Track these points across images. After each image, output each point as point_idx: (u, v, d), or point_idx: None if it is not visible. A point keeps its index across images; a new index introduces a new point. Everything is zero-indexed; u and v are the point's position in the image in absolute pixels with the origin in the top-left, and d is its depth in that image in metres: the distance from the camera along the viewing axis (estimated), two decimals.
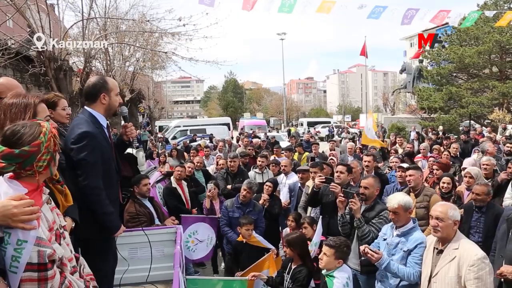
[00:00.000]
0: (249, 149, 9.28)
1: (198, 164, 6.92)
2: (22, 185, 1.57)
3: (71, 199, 2.07)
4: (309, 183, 5.27)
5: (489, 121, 18.97)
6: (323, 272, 3.22)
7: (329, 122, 39.22)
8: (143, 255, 3.62)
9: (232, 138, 19.65)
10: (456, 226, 2.81)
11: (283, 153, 8.66)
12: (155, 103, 34.39)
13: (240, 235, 4.56)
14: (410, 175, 4.60)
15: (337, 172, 4.49)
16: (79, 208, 2.39)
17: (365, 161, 5.86)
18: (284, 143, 14.58)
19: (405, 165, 5.71)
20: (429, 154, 8.03)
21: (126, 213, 4.27)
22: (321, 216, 4.45)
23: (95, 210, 2.59)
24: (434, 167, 5.83)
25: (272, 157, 8.04)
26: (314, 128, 34.75)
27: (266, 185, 5.45)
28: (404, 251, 3.17)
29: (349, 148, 9.12)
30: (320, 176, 4.64)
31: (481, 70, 20.34)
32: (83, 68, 10.23)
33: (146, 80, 27.41)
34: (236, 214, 4.90)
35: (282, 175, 6.44)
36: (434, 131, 15.10)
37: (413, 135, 14.34)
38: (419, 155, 8.30)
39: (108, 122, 2.92)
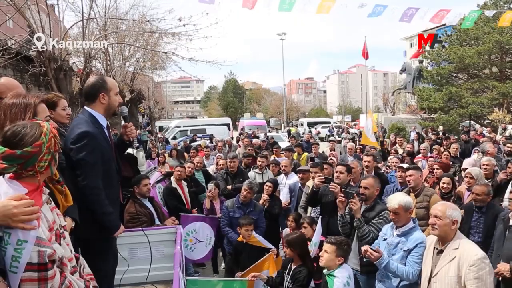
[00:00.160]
0: (249, 149, 9.28)
1: (198, 164, 6.92)
2: (22, 185, 1.57)
3: (71, 199, 2.07)
4: (310, 183, 5.27)
5: (489, 121, 18.97)
6: (324, 271, 3.23)
7: (329, 123, 39.23)
8: (143, 255, 3.62)
9: (232, 138, 19.66)
10: (455, 226, 2.81)
11: (282, 153, 8.66)
12: (155, 103, 34.37)
13: (241, 235, 4.56)
14: (410, 175, 4.60)
15: (336, 172, 4.49)
16: (79, 208, 2.39)
17: (365, 161, 5.86)
18: (284, 144, 14.57)
19: (405, 165, 5.71)
20: (429, 155, 8.03)
21: (126, 213, 4.27)
22: (320, 216, 4.45)
23: (95, 210, 2.59)
24: (435, 166, 5.83)
25: (271, 158, 8.04)
26: (316, 129, 34.75)
27: (266, 185, 5.45)
28: (404, 250, 3.17)
29: (349, 148, 9.12)
30: (319, 176, 4.64)
31: (481, 70, 20.34)
32: (83, 68, 10.23)
33: (146, 80, 27.40)
34: (237, 214, 4.90)
35: (282, 175, 6.44)
36: (434, 131, 15.10)
37: (413, 135, 14.33)
38: (419, 155, 8.30)
39: (108, 122, 2.92)
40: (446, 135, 13.89)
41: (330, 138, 12.42)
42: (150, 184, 4.77)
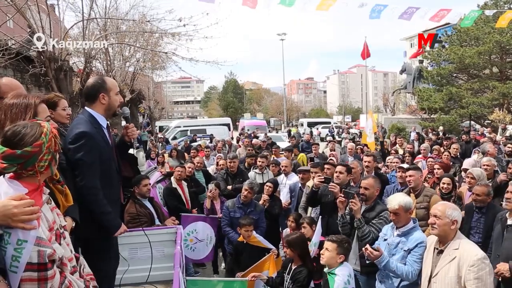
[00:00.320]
0: (249, 150, 9.29)
1: (198, 165, 6.92)
2: (23, 185, 1.57)
3: (71, 199, 2.07)
4: (310, 184, 5.27)
5: (489, 121, 18.96)
6: (325, 269, 3.25)
7: (329, 123, 39.23)
8: (143, 255, 3.62)
9: (232, 138, 19.66)
10: (455, 226, 2.80)
11: (281, 153, 8.67)
12: (155, 103, 34.39)
13: (241, 235, 4.57)
14: (410, 176, 4.60)
15: (336, 172, 4.49)
16: (78, 208, 2.39)
17: (365, 162, 5.86)
18: (284, 144, 14.58)
19: (405, 165, 5.71)
20: (429, 155, 8.03)
21: (127, 213, 4.27)
22: (320, 216, 4.45)
23: (93, 210, 2.59)
24: (436, 166, 5.83)
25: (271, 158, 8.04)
26: (317, 129, 34.74)
27: (267, 186, 5.45)
28: (404, 250, 3.17)
29: (349, 149, 9.12)
30: (319, 176, 4.64)
31: (481, 70, 20.34)
32: (83, 69, 10.24)
33: (146, 81, 27.41)
34: (238, 214, 4.91)
35: (283, 175, 6.44)
36: (434, 132, 15.09)
37: (413, 135, 14.32)
38: (420, 156, 8.30)
39: (108, 122, 2.92)
40: (446, 135, 13.89)
41: (328, 138, 12.43)
42: (150, 184, 4.77)
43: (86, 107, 2.83)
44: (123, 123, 3.20)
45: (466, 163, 6.10)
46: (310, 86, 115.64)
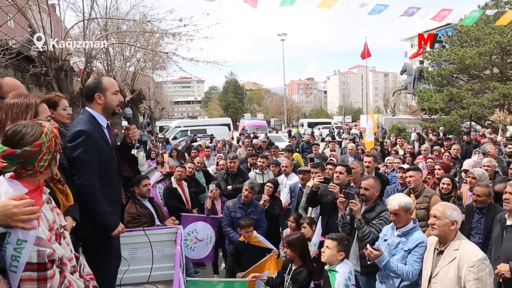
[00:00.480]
0: (249, 150, 9.29)
1: (199, 165, 6.92)
2: (23, 185, 1.57)
3: (72, 198, 2.08)
4: (310, 184, 5.27)
5: (490, 122, 18.96)
6: (326, 267, 3.28)
7: (330, 123, 39.22)
8: (143, 255, 3.62)
9: (233, 138, 19.66)
10: (455, 226, 2.80)
11: (280, 153, 8.68)
12: (155, 103, 34.41)
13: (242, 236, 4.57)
14: (410, 176, 4.60)
15: (336, 172, 4.49)
16: (78, 207, 2.39)
17: (365, 162, 5.86)
18: (284, 144, 14.59)
19: (405, 166, 5.70)
20: (429, 155, 8.03)
21: (127, 214, 4.27)
22: (320, 217, 4.45)
23: (90, 208, 2.59)
24: (437, 167, 5.82)
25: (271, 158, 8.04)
26: (319, 129, 34.72)
27: (267, 186, 5.45)
28: (405, 250, 3.17)
29: (349, 149, 9.12)
30: (319, 176, 4.64)
31: (482, 71, 20.32)
32: (84, 68, 10.24)
33: (147, 81, 27.44)
34: (238, 214, 4.91)
35: (283, 175, 6.44)
36: (434, 132, 15.09)
37: (413, 136, 14.32)
38: (420, 156, 8.29)
39: (108, 122, 2.92)
40: (447, 136, 13.89)
41: (327, 139, 12.43)
42: (150, 184, 4.77)
43: (86, 107, 2.84)
44: (124, 123, 3.19)
45: (466, 164, 6.09)
46: (310, 87, 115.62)
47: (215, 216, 5.40)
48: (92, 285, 1.92)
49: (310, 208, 5.16)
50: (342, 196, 3.87)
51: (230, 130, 24.50)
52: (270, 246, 4.59)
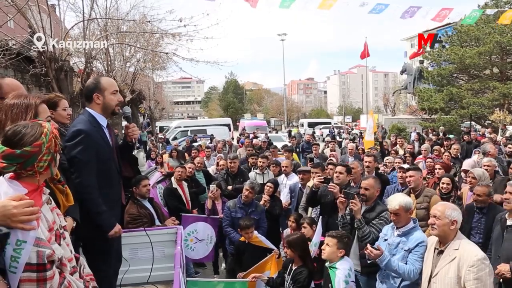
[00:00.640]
0: (249, 150, 9.30)
1: (199, 165, 6.92)
2: (22, 185, 1.57)
3: (72, 198, 2.08)
4: (310, 184, 5.27)
5: (490, 122, 18.96)
6: (326, 264, 3.32)
7: (330, 123, 39.21)
8: (143, 256, 3.62)
9: (233, 138, 19.66)
10: (455, 226, 2.80)
11: (279, 153, 8.68)
12: (155, 103, 34.42)
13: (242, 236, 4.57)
14: (410, 176, 4.59)
15: (336, 172, 4.49)
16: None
17: (366, 162, 5.86)
18: (283, 144, 14.58)
19: (405, 166, 5.70)
20: (429, 155, 8.03)
21: (127, 214, 4.26)
22: (320, 217, 4.45)
23: (88, 208, 2.58)
24: (437, 166, 5.82)
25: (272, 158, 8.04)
26: (320, 129, 34.70)
27: (267, 186, 5.45)
28: (405, 250, 3.18)
29: (349, 149, 9.12)
30: (319, 176, 4.64)
31: (482, 71, 20.33)
32: (84, 69, 10.24)
33: (147, 81, 27.44)
34: (239, 214, 4.91)
35: (283, 175, 6.44)
36: (434, 132, 15.08)
37: (413, 136, 14.32)
38: (420, 156, 8.29)
39: (109, 121, 2.92)
40: (447, 135, 13.88)
41: (327, 139, 12.42)
42: (149, 184, 4.77)
43: (86, 107, 2.84)
44: (124, 123, 3.19)
45: (466, 164, 6.08)
46: (310, 87, 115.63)
47: (215, 216, 5.40)
48: (92, 285, 1.92)
49: (310, 208, 5.16)
50: (342, 196, 3.87)
51: (230, 130, 24.50)
52: (271, 246, 4.59)
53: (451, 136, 13.79)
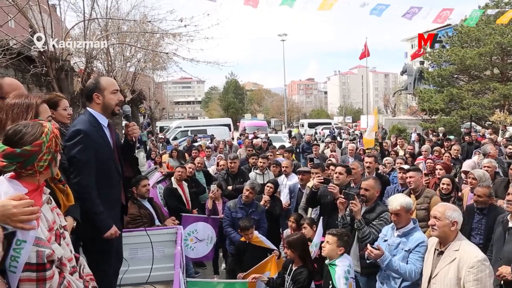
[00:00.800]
0: (249, 150, 9.30)
1: (199, 165, 6.92)
2: (23, 185, 1.57)
3: (72, 198, 2.07)
4: (310, 185, 5.26)
5: (490, 123, 18.95)
6: (326, 262, 3.36)
7: (330, 124, 39.19)
8: (143, 256, 3.62)
9: (233, 139, 19.66)
10: (455, 227, 2.80)
11: (277, 154, 8.69)
12: (156, 103, 34.42)
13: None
14: (410, 177, 4.59)
15: (336, 173, 4.49)
16: None
17: (366, 162, 5.86)
18: (281, 144, 14.58)
19: (405, 166, 5.70)
20: (430, 156, 8.02)
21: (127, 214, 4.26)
22: (321, 217, 4.45)
23: (85, 208, 2.57)
24: (438, 167, 5.81)
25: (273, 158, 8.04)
26: (322, 130, 34.67)
27: (267, 186, 5.45)
28: (405, 250, 3.17)
29: (350, 150, 9.12)
30: (319, 176, 4.64)
31: (482, 71, 20.32)
32: (84, 69, 10.24)
33: (147, 81, 27.43)
34: (239, 214, 4.90)
35: (283, 176, 6.44)
36: (434, 133, 15.08)
37: (414, 136, 14.32)
38: (421, 157, 8.29)
39: (110, 121, 2.91)
40: (446, 136, 13.88)
41: (327, 139, 12.42)
42: (149, 185, 4.77)
43: (87, 107, 2.85)
44: (124, 122, 3.18)
45: (466, 165, 6.08)
46: (310, 87, 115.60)
47: (216, 216, 5.40)
48: (91, 285, 1.92)
49: (310, 209, 5.16)
50: (342, 196, 3.86)
51: (230, 130, 24.51)
52: (272, 246, 4.59)
53: (451, 137, 13.77)
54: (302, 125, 40.21)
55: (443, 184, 4.89)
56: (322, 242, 3.73)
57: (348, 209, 3.87)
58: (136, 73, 17.87)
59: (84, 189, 2.57)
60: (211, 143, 15.48)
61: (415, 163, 7.46)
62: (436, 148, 8.69)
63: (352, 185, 4.74)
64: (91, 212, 2.61)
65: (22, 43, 8.66)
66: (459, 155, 8.17)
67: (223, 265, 5.92)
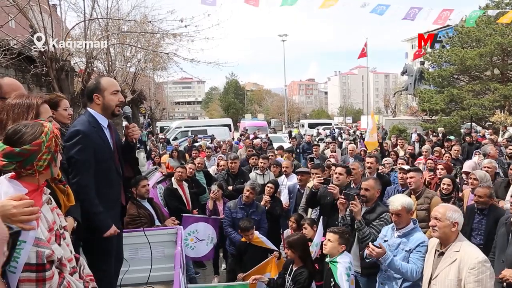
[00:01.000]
0: (249, 150, 9.30)
1: (199, 165, 6.92)
2: (23, 185, 1.57)
3: (73, 199, 2.07)
4: (310, 185, 5.26)
5: (491, 123, 18.93)
6: (327, 259, 3.38)
7: (330, 124, 39.19)
8: (143, 256, 3.61)
9: (233, 139, 19.65)
10: (456, 228, 2.79)
11: (276, 154, 8.69)
12: (156, 104, 34.45)
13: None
14: (410, 177, 4.59)
15: (336, 173, 4.48)
16: None
17: (367, 163, 5.85)
18: (285, 145, 14.57)
19: (406, 167, 5.70)
20: (430, 157, 8.01)
21: (127, 215, 4.25)
22: (322, 217, 4.44)
23: (84, 208, 2.57)
24: (439, 167, 5.81)
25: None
26: (324, 130, 34.65)
27: (268, 186, 5.44)
28: (406, 251, 3.17)
29: (350, 150, 9.12)
30: (319, 177, 4.63)
31: (483, 72, 20.30)
32: (84, 69, 10.24)
33: (148, 81, 27.44)
34: (240, 215, 4.90)
35: (283, 176, 6.43)
36: (434, 133, 15.07)
37: (414, 137, 14.31)
38: (421, 157, 8.28)
39: (110, 122, 2.91)
40: (446, 137, 13.87)
41: (327, 140, 12.42)
42: (148, 185, 4.76)
43: (87, 107, 2.85)
44: (124, 123, 3.18)
45: (466, 166, 6.07)
46: (311, 87, 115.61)
47: (216, 217, 5.40)
48: (91, 286, 1.91)
49: (309, 209, 5.15)
50: (342, 197, 3.86)
51: (230, 130, 24.51)
52: (272, 247, 4.59)
53: (451, 137, 13.76)
54: (303, 126, 40.18)
55: (444, 184, 4.89)
56: (322, 242, 3.73)
57: (348, 209, 3.86)
58: (137, 73, 17.88)
59: (82, 189, 2.57)
60: (211, 143, 15.48)
61: (415, 163, 7.45)
62: (437, 148, 8.68)
63: (352, 185, 4.73)
64: (90, 212, 2.61)
65: (22, 43, 8.67)
66: (459, 155, 8.16)
67: (224, 266, 5.92)
